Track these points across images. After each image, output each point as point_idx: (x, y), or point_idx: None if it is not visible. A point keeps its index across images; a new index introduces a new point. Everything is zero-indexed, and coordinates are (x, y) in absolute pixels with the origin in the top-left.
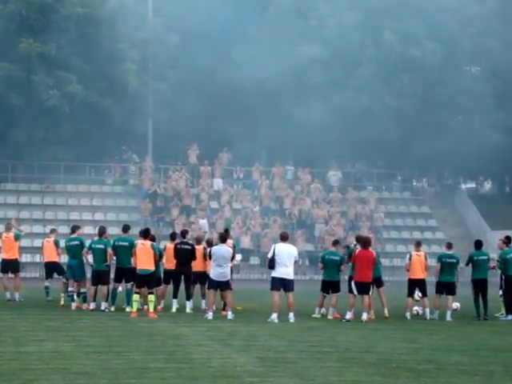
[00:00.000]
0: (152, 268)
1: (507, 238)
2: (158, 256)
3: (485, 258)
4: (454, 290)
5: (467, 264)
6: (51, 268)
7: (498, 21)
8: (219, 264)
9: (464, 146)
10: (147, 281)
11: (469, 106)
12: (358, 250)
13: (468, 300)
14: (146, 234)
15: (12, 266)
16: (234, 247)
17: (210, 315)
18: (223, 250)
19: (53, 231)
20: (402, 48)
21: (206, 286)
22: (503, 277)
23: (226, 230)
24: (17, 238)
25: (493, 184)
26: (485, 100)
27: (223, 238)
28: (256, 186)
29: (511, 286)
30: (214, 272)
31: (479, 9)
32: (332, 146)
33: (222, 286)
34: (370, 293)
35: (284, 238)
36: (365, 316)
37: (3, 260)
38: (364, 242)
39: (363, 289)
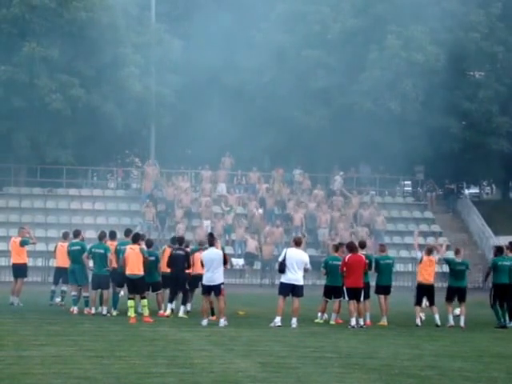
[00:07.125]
0: (141, 273)
1: (510, 243)
2: (154, 260)
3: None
4: (465, 295)
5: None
6: (61, 273)
7: (501, 25)
8: (209, 268)
9: (467, 151)
10: (137, 286)
11: (472, 111)
12: (347, 256)
13: (471, 305)
14: (135, 238)
15: (19, 271)
16: (222, 249)
17: (204, 322)
18: (212, 253)
19: (66, 235)
20: (405, 53)
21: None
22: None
23: (211, 234)
24: (23, 243)
25: (496, 189)
26: (488, 105)
27: (211, 242)
28: (254, 191)
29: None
30: (205, 277)
31: (483, 13)
32: (335, 151)
33: (214, 290)
34: (362, 298)
35: (297, 243)
36: (362, 321)
37: (13, 264)
38: (351, 247)
39: (355, 295)
